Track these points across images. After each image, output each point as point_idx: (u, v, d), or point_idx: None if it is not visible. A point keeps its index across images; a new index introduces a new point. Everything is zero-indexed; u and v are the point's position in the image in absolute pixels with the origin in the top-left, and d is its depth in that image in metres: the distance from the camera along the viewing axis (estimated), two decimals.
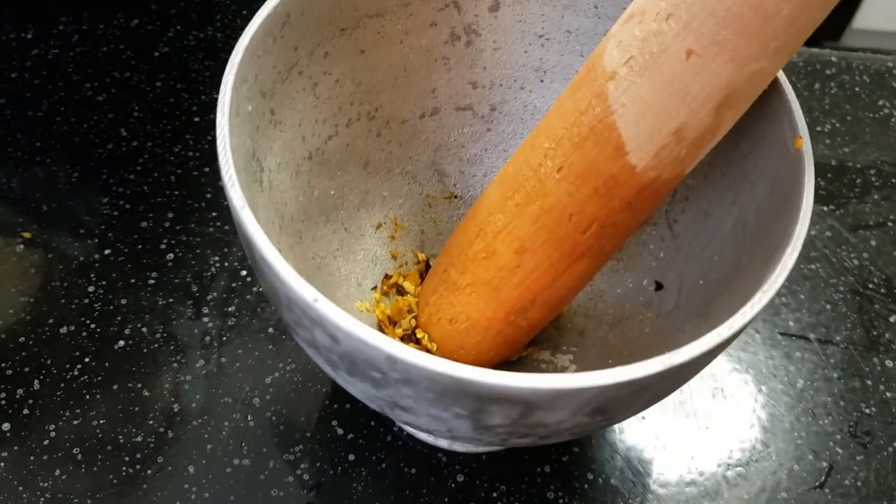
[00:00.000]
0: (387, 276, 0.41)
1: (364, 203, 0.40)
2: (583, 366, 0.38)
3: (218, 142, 0.27)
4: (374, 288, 0.40)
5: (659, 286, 0.37)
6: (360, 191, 0.40)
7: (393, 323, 0.40)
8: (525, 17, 0.38)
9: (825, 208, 0.51)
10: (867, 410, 0.43)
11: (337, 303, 0.37)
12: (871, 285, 0.48)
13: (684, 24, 0.28)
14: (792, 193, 0.29)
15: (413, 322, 0.39)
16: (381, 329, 0.39)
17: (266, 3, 0.30)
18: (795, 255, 0.27)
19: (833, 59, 0.59)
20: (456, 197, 0.43)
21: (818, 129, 0.55)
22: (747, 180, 0.33)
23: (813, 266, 0.48)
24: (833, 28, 1.62)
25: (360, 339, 0.24)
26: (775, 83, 0.31)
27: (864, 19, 1.55)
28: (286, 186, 0.35)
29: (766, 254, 0.29)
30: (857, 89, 0.58)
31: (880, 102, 0.57)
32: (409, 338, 0.39)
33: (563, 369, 0.39)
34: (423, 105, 0.40)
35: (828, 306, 0.47)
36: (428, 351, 0.39)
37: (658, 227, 0.38)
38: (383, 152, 0.40)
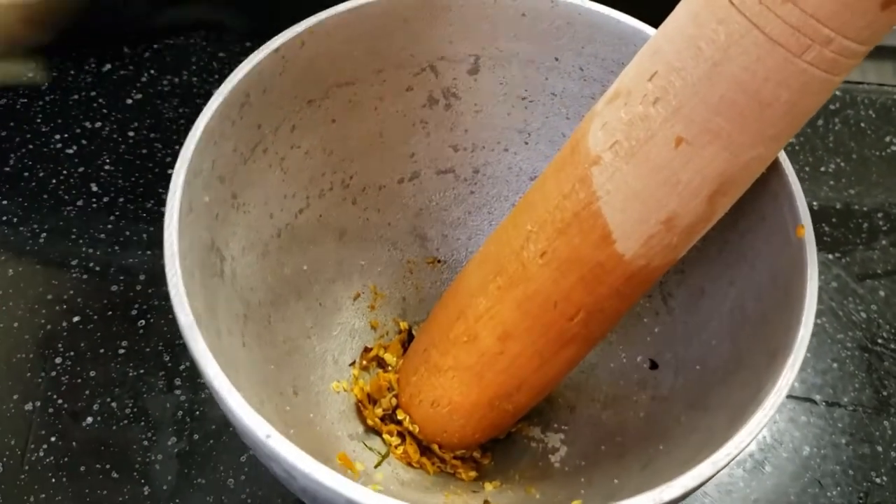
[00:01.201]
0: (366, 349, 0.39)
1: (340, 274, 0.38)
2: (574, 448, 0.36)
3: (165, 248, 0.25)
4: (353, 363, 0.38)
5: (654, 365, 0.35)
6: (336, 262, 0.38)
7: (373, 402, 0.38)
8: (507, 80, 0.36)
9: (830, 256, 0.49)
10: (878, 479, 0.41)
11: (311, 387, 0.35)
12: (879, 340, 0.46)
13: (673, 110, 0.25)
14: (793, 287, 0.27)
15: (394, 401, 0.37)
16: (359, 409, 0.37)
17: (221, 86, 0.28)
18: (797, 365, 0.25)
19: (837, 93, 0.57)
20: (439, 262, 0.41)
21: (822, 169, 0.53)
22: (746, 261, 0.31)
23: (819, 321, 0.46)
24: None
25: (318, 482, 0.22)
26: (775, 163, 0.29)
27: None
28: (252, 270, 0.32)
29: (766, 353, 0.27)
30: (862, 125, 0.55)
31: (887, 139, 0.54)
32: (390, 418, 0.37)
33: (554, 450, 0.37)
34: (401, 170, 0.38)
35: (834, 365, 0.45)
36: (410, 433, 0.36)
37: (653, 301, 0.36)
38: (360, 220, 0.38)
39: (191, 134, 0.27)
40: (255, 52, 0.30)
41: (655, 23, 0.28)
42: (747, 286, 0.30)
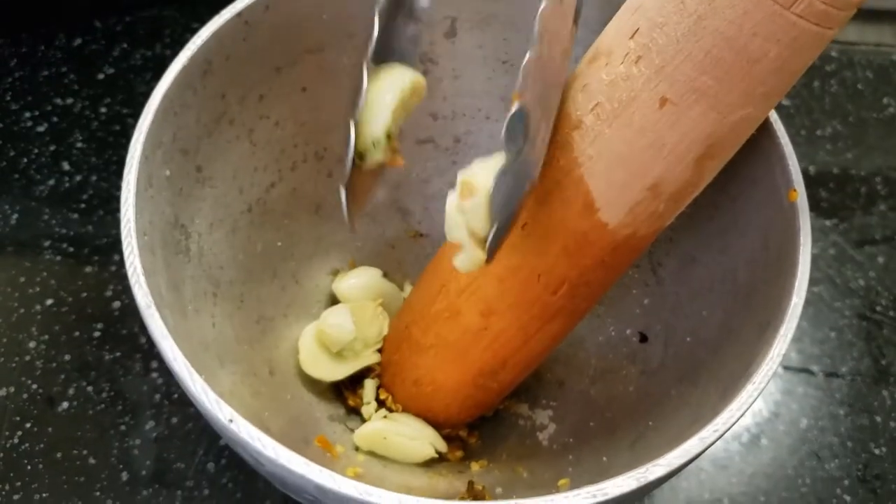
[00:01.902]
0: None
1: (317, 250, 0.37)
2: (563, 425, 0.35)
3: (122, 226, 0.24)
4: None
5: (643, 338, 0.34)
6: (312, 238, 0.36)
7: (354, 381, 0.36)
8: (485, 43, 0.34)
9: (828, 223, 0.47)
10: (877, 451, 0.40)
11: (287, 368, 0.33)
12: (878, 308, 0.44)
13: (656, 69, 0.24)
14: (786, 254, 0.26)
15: (377, 381, 0.36)
16: (340, 389, 0.36)
17: (180, 53, 0.27)
18: (789, 336, 0.23)
19: (833, 53, 0.55)
20: (421, 235, 0.39)
21: (818, 132, 0.51)
22: (737, 228, 0.29)
23: (816, 289, 0.45)
24: None
25: (284, 467, 0.21)
26: (766, 124, 0.27)
27: None
28: (222, 247, 0.31)
29: (757, 323, 0.26)
30: (859, 87, 0.53)
31: (885, 101, 0.53)
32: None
33: (542, 427, 0.35)
34: None
35: (832, 334, 0.43)
36: (391, 411, 0.35)
37: (642, 271, 0.34)
38: (336, 193, 0.36)
39: (148, 104, 0.26)
40: (216, 16, 0.28)
41: None
42: (739, 253, 0.29)
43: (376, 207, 0.38)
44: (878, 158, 0.50)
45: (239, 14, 0.29)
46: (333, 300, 0.37)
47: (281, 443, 0.21)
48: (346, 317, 0.35)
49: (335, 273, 0.37)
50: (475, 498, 0.31)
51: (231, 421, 0.21)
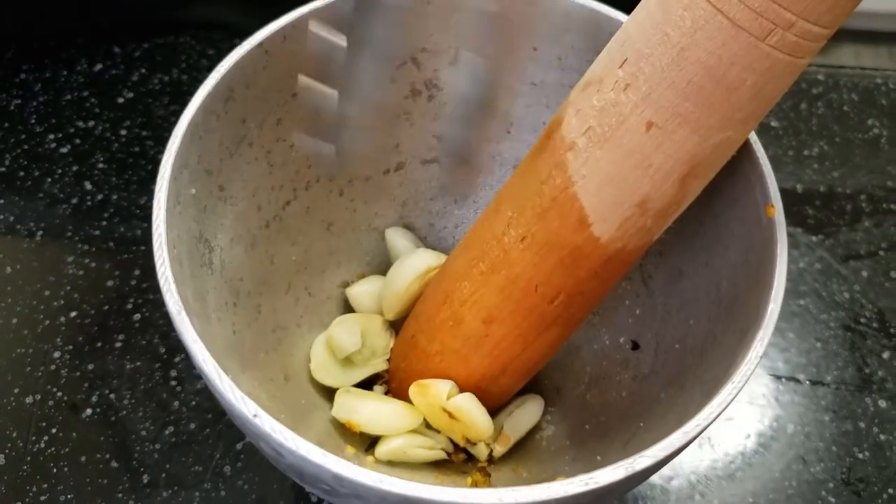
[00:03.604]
0: None
1: (328, 264, 0.39)
2: (560, 428, 0.37)
3: (154, 239, 0.26)
4: None
5: (635, 346, 0.36)
6: (324, 252, 0.38)
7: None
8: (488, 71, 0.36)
9: (814, 238, 0.49)
10: (860, 455, 0.42)
11: (301, 374, 0.35)
12: (862, 320, 0.46)
13: (643, 96, 0.26)
14: (764, 266, 0.28)
15: (385, 388, 0.38)
16: None
17: (205, 82, 0.29)
18: (766, 340, 0.25)
19: (820, 77, 0.57)
20: None
21: (805, 152, 0.54)
22: (720, 243, 0.31)
23: (802, 302, 0.47)
24: None
25: (304, 458, 0.23)
26: (746, 146, 0.30)
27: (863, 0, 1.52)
28: (241, 261, 0.33)
29: (738, 330, 0.28)
30: (845, 108, 0.56)
31: (869, 122, 0.55)
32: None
33: (540, 430, 0.37)
34: (386, 161, 0.39)
35: (818, 344, 0.45)
36: None
37: (633, 283, 0.37)
38: (347, 211, 0.39)
39: (176, 129, 0.28)
40: (238, 47, 0.31)
41: (630, 11, 0.29)
42: (722, 266, 0.31)
43: (385, 223, 0.40)
44: (862, 177, 0.53)
45: (260, 44, 0.31)
46: (347, 306, 0.40)
47: None
48: (353, 327, 0.37)
49: (345, 285, 0.40)
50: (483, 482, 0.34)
51: (256, 416, 0.23)
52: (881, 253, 0.49)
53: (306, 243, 0.37)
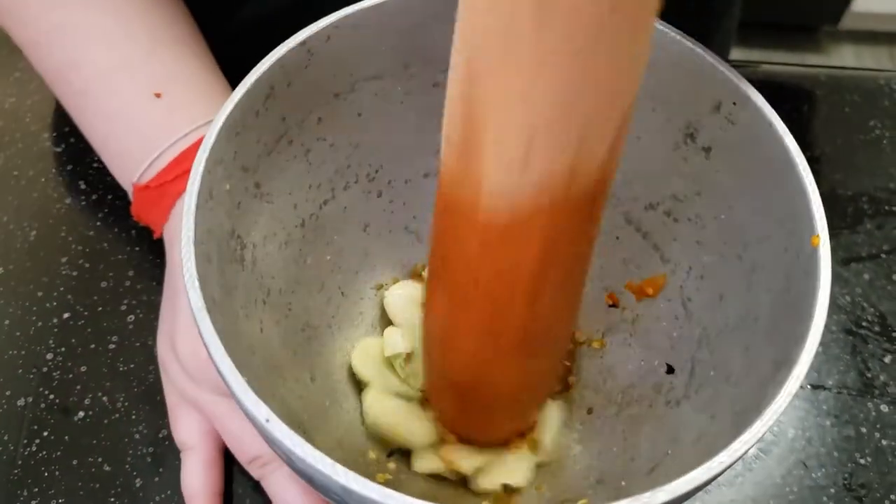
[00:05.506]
0: None
1: (363, 265, 0.39)
2: (587, 448, 0.36)
3: (182, 233, 0.26)
4: None
5: (670, 369, 0.35)
6: (359, 253, 0.38)
7: None
8: None
9: None
10: (862, 461, 0.41)
11: (329, 375, 0.35)
12: (864, 323, 0.46)
13: None
14: (805, 298, 0.27)
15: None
16: None
17: (245, 79, 0.29)
18: (801, 378, 0.25)
19: (822, 78, 0.57)
20: None
21: (807, 154, 0.53)
22: (762, 269, 0.30)
23: None
24: (832, 11, 1.59)
25: (313, 467, 0.22)
26: (796, 173, 0.29)
27: (864, 1, 1.52)
28: (274, 259, 0.33)
29: (773, 362, 0.27)
30: (847, 110, 0.55)
31: (871, 123, 0.55)
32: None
33: (568, 448, 0.37)
34: (426, 164, 0.38)
35: (819, 348, 0.45)
36: None
37: (672, 304, 0.36)
38: (385, 213, 0.38)
39: (213, 124, 0.28)
40: (280, 45, 0.30)
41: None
42: (763, 293, 0.30)
43: (422, 226, 0.40)
44: (864, 179, 0.52)
45: (303, 43, 0.30)
46: (380, 308, 0.39)
47: (315, 443, 0.22)
48: (410, 339, 0.37)
49: (379, 287, 0.39)
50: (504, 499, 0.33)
51: (268, 420, 0.23)
52: (883, 255, 0.48)
53: (342, 243, 0.37)
